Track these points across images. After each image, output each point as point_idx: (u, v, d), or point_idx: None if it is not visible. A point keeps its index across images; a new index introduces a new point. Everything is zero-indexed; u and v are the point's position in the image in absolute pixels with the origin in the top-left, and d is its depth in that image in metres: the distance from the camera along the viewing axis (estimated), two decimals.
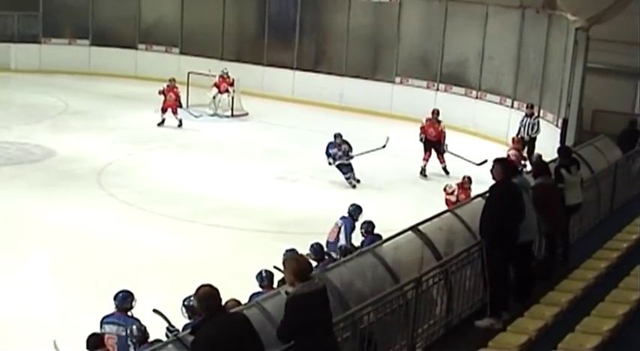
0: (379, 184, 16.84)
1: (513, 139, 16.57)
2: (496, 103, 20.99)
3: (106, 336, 7.99)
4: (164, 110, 20.83)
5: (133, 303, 8.22)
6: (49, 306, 10.86)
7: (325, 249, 10.46)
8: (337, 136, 16.75)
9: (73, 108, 22.33)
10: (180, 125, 20.89)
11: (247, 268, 9.53)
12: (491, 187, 7.92)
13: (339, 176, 16.69)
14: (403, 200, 15.75)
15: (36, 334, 9.55)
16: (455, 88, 21.98)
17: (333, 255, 10.43)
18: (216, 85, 22.25)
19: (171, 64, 24.55)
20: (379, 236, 9.94)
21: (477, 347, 6.93)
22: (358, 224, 11.38)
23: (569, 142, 15.72)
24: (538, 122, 17.59)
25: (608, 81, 17.96)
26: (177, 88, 21.07)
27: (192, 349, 5.38)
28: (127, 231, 13.70)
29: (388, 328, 6.84)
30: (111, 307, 8.24)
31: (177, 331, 7.47)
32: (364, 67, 23.92)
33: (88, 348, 7.46)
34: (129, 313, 8.19)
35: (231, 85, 22.22)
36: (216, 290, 5.37)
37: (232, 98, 22.25)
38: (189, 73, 22.41)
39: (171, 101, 20.90)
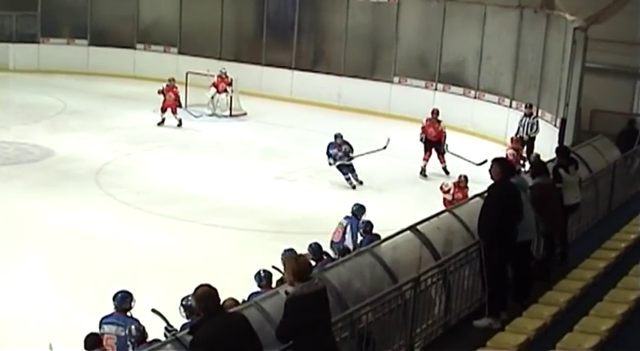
0: (379, 184, 16.82)
1: (512, 138, 16.59)
2: (494, 102, 20.96)
3: (106, 336, 8.01)
4: (164, 110, 20.82)
5: (132, 303, 8.23)
6: (48, 306, 10.85)
7: (328, 249, 10.46)
8: (338, 136, 16.67)
9: (71, 108, 22.32)
10: (179, 125, 20.88)
11: (246, 267, 9.54)
12: (490, 187, 7.92)
13: (337, 176, 16.65)
14: (403, 200, 15.74)
15: (34, 334, 9.55)
16: (453, 88, 21.94)
17: (332, 255, 10.43)
18: (215, 85, 22.22)
19: (169, 64, 24.54)
20: (377, 236, 9.92)
21: (476, 347, 6.93)
22: None
23: (567, 142, 15.73)
24: (537, 122, 17.57)
25: (607, 81, 17.94)
26: (176, 87, 21.06)
27: (190, 349, 5.38)
28: (125, 231, 13.70)
29: (386, 327, 6.84)
30: (109, 307, 8.24)
31: (176, 330, 7.48)
32: (362, 66, 23.88)
33: (85, 348, 7.46)
34: (128, 314, 8.19)
35: (230, 84, 22.19)
36: (215, 290, 5.36)
37: (231, 98, 22.22)
38: (187, 73, 22.38)
39: (171, 101, 20.89)
